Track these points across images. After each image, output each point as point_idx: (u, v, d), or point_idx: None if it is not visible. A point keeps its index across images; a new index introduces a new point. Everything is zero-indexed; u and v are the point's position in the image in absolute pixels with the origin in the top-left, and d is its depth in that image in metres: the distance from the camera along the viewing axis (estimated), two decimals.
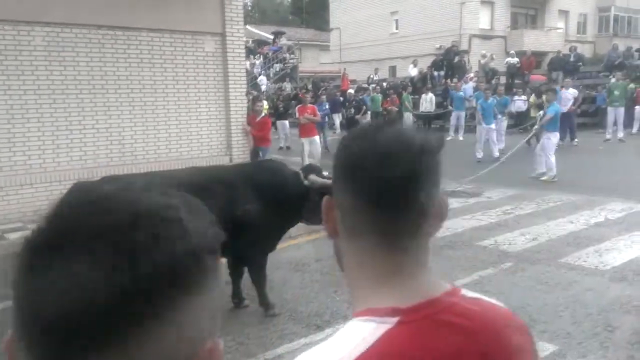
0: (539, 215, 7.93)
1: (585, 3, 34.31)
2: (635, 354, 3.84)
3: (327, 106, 17.78)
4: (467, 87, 20.15)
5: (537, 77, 23.12)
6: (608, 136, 16.38)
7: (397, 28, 32.39)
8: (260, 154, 10.52)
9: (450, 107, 19.09)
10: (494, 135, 14.07)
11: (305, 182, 4.44)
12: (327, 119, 17.56)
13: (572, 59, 22.56)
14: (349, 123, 17.03)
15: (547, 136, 10.82)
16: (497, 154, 13.59)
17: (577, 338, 4.12)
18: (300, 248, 6.74)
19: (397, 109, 15.22)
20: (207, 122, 9.66)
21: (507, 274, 5.61)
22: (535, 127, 11.87)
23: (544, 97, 13.48)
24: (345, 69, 28.15)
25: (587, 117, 18.97)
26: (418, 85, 23.82)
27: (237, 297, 4.78)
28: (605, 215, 7.76)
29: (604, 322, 4.36)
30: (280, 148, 17.13)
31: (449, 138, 18.37)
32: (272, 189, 4.42)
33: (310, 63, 40.53)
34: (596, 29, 35.00)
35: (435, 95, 21.64)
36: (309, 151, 11.76)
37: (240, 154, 10.07)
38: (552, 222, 7.50)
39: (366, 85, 23.88)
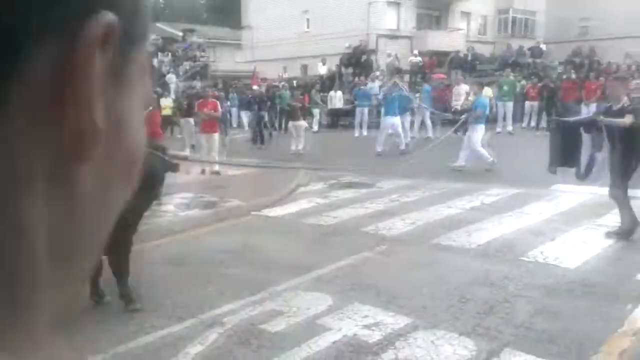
0: (422, 202, 8.25)
1: (486, 5, 36.29)
2: (481, 322, 4.06)
3: (229, 103, 17.57)
4: (374, 86, 20.68)
5: (438, 76, 24.19)
6: (498, 129, 17.37)
7: (308, 27, 32.68)
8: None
9: (355, 103, 19.49)
10: (399, 128, 14.49)
11: None
12: (229, 116, 17.31)
13: (469, 58, 23.81)
14: (256, 119, 16.97)
15: (473, 128, 11.19)
16: (403, 147, 14.01)
17: (431, 311, 4.31)
18: (182, 243, 6.58)
19: (300, 105, 15.30)
20: None
21: (381, 256, 5.79)
22: (462, 117, 12.27)
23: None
24: (255, 67, 28.02)
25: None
26: (327, 83, 24.22)
27: (97, 294, 4.57)
28: (481, 200, 8.21)
29: (459, 296, 4.59)
30: (192, 146, 16.68)
31: (355, 135, 18.78)
32: None
33: (226, 62, 39.89)
34: (496, 30, 37.15)
35: (344, 93, 22.08)
36: (207, 147, 11.54)
37: None
38: (432, 207, 7.83)
39: (277, 84, 23.93)
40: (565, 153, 6.26)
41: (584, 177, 6.43)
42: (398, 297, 4.60)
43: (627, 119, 5.43)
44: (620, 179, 5.70)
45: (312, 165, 11.53)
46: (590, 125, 6.17)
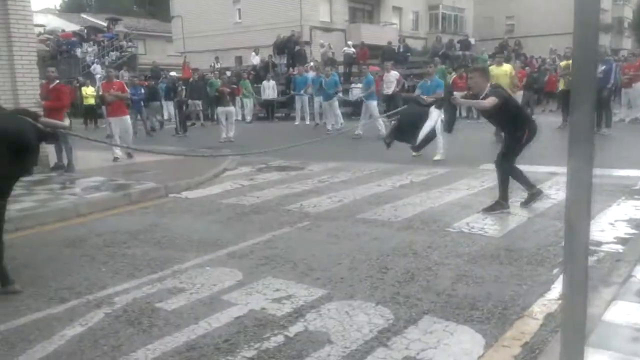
0: (351, 182, 7.95)
1: (417, 1, 36.87)
2: (401, 290, 3.75)
3: (142, 90, 16.87)
4: (308, 76, 20.34)
5: (373, 68, 24.25)
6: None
7: (240, 18, 31.95)
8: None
9: (292, 92, 19.16)
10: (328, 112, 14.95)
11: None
12: (142, 103, 16.53)
13: (401, 50, 23.96)
14: (177, 107, 16.52)
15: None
16: (330, 127, 14.31)
17: (349, 282, 3.95)
18: (85, 225, 5.93)
19: (229, 90, 14.75)
20: None
21: (302, 231, 5.39)
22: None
23: None
24: (186, 56, 27.04)
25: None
26: (261, 73, 23.66)
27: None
28: (411, 179, 8.00)
29: (380, 266, 4.27)
30: (108, 136, 15.68)
31: (296, 123, 18.42)
32: None
33: (158, 55, 38.41)
34: (428, 25, 37.80)
35: (279, 84, 21.62)
36: (118, 132, 10.69)
37: None
38: (361, 186, 7.53)
39: (209, 74, 23.18)
40: (403, 129, 6.42)
41: (417, 149, 8.22)
42: (315, 269, 4.22)
43: (489, 101, 5.47)
44: (502, 156, 5.86)
45: (242, 151, 11.06)
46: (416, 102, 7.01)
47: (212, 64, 25.03)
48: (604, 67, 12.30)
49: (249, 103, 20.26)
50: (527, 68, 18.39)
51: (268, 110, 21.58)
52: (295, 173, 9.03)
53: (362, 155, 10.53)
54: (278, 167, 9.62)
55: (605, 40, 41.95)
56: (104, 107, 16.18)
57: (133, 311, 3.51)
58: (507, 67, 13.17)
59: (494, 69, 12.26)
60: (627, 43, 44.43)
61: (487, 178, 7.86)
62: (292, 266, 4.33)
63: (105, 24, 33.56)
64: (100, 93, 10.88)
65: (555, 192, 6.60)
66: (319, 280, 3.99)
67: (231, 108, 14.46)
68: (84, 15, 43.99)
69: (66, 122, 9.82)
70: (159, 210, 6.52)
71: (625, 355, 2.56)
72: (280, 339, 3.10)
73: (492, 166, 8.64)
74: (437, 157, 9.64)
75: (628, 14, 46.22)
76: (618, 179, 7.19)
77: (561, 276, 3.97)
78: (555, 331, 2.97)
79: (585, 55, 1.97)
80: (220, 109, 14.39)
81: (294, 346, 3.01)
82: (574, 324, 2.19)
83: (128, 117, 10.94)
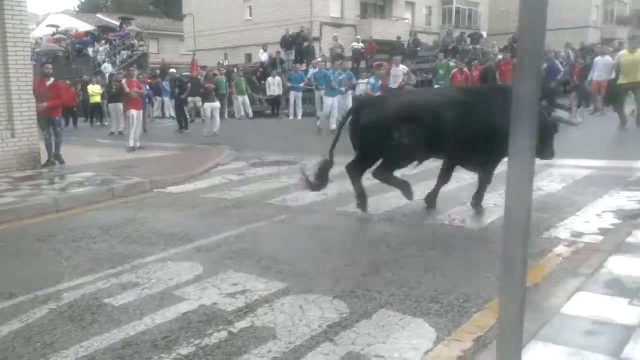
0: (340, 175, 7.67)
1: None
2: (363, 284, 3.55)
3: (148, 87, 17.21)
4: (314, 71, 20.13)
5: (386, 64, 23.92)
6: None
7: (250, 15, 31.89)
8: (52, 128, 9.33)
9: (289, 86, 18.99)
10: (335, 109, 14.21)
11: None
12: (147, 100, 16.72)
13: (410, 44, 23.61)
14: (177, 104, 16.68)
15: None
16: (334, 126, 13.58)
17: (311, 275, 3.77)
18: (61, 220, 5.85)
19: (214, 86, 15.09)
20: None
21: (276, 224, 5.22)
22: None
23: None
24: (194, 55, 27.06)
25: None
26: (268, 70, 23.52)
27: None
28: (402, 171, 7.76)
29: (348, 259, 4.08)
30: (111, 133, 15.73)
31: (290, 118, 18.25)
32: None
33: (170, 54, 38.61)
34: (440, 20, 37.28)
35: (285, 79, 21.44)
36: (136, 123, 11.75)
37: (26, 128, 8.82)
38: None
39: (215, 71, 23.11)
40: None
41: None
42: (279, 262, 4.05)
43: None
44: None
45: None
46: None
47: (220, 61, 24.95)
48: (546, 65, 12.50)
49: (241, 101, 20.10)
50: None
51: (273, 107, 21.41)
52: (287, 167, 8.86)
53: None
54: (272, 162, 9.46)
55: (623, 32, 41.01)
56: (108, 104, 16.50)
57: (78, 307, 3.38)
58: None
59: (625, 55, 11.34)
60: None
61: None
62: (257, 260, 4.15)
63: (117, 23, 33.78)
64: (126, 89, 11.75)
65: (547, 184, 6.32)
66: (279, 274, 3.81)
67: (216, 103, 14.89)
68: (99, 15, 44.44)
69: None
70: (138, 205, 6.40)
71: (574, 349, 2.34)
72: (223, 334, 2.94)
73: None
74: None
75: None
76: (613, 171, 6.87)
77: (531, 269, 3.74)
78: None
79: (530, 53, 1.79)
80: (206, 105, 14.69)
81: (236, 342, 2.85)
82: (509, 319, 1.98)
83: (141, 111, 12.43)
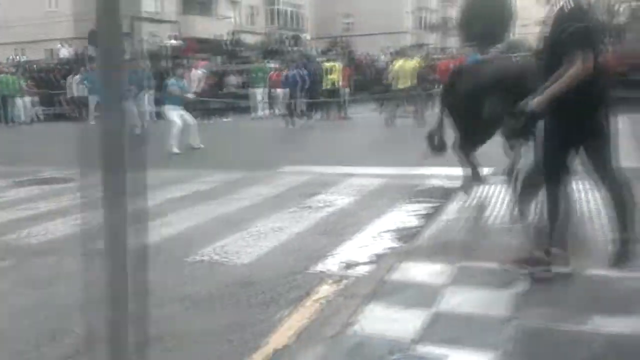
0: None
1: None
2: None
3: None
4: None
5: (203, 63, 22.85)
6: (260, 113, 17.38)
7: (50, 6, 28.50)
8: None
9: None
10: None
11: None
12: None
13: (232, 44, 22.90)
14: None
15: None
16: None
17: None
18: None
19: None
20: None
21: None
22: None
23: None
24: None
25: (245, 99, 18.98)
26: (75, 68, 21.01)
27: None
28: (197, 188, 6.87)
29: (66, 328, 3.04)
30: None
31: (92, 123, 16.29)
32: None
33: None
34: (265, 21, 37.16)
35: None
36: None
37: None
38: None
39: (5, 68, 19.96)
40: None
41: None
42: None
43: None
44: None
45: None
46: None
47: (11, 57, 21.65)
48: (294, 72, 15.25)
49: (21, 103, 17.67)
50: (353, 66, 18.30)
51: (80, 109, 19.02)
52: (59, 187, 7.41)
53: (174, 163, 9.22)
54: (43, 180, 7.91)
55: (431, 39, 45.06)
56: None
57: None
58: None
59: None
60: (451, 42, 48.19)
61: (278, 183, 7.05)
62: None
63: None
64: None
65: (341, 198, 5.91)
66: None
67: None
68: None
69: None
70: None
71: None
72: None
73: (290, 168, 8.00)
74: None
75: (452, 14, 50.18)
76: (408, 179, 6.75)
77: (284, 322, 3.10)
78: None
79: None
80: None
81: None
82: None
83: None
